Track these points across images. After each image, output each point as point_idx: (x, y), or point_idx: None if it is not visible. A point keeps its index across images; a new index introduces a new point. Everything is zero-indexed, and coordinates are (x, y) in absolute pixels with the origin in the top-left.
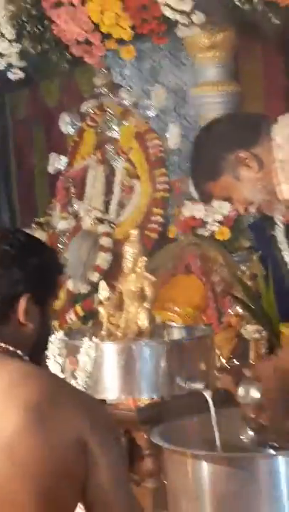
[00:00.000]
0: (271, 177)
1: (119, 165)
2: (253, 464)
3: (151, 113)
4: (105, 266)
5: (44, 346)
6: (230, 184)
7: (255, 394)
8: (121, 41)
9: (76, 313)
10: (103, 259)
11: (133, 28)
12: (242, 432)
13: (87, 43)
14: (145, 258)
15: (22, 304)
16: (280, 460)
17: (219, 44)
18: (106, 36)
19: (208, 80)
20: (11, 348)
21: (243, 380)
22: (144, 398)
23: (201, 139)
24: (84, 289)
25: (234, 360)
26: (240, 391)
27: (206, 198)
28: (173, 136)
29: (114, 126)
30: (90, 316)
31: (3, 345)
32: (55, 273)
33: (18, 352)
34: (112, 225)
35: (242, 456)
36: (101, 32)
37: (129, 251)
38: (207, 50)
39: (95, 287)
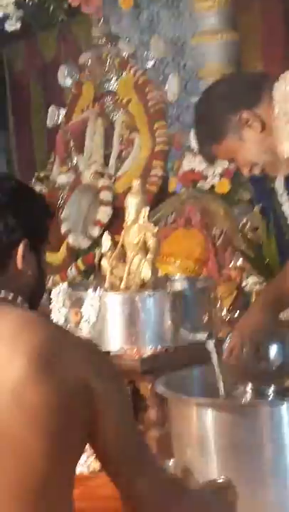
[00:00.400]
0: (274, 137)
1: (118, 118)
2: (258, 411)
3: (149, 64)
4: (105, 220)
5: (41, 293)
6: (233, 146)
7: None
8: None
9: (77, 268)
10: (103, 213)
11: None
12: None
13: None
14: (148, 208)
15: (20, 250)
16: (285, 407)
17: None
18: None
19: (207, 29)
20: (10, 297)
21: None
22: (148, 349)
23: (203, 101)
24: (85, 243)
25: (236, 312)
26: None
27: (210, 161)
28: (172, 87)
29: (112, 78)
30: (91, 270)
31: (2, 293)
32: (47, 217)
33: (18, 299)
34: (112, 178)
35: (247, 404)
36: None
37: (132, 202)
38: None
39: (95, 242)
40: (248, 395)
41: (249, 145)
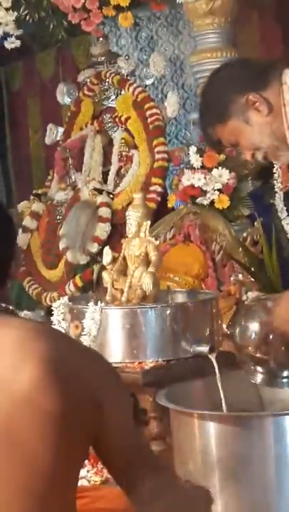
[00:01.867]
0: (281, 122)
1: (117, 135)
2: (260, 422)
3: (148, 81)
4: (104, 236)
5: None
6: (238, 128)
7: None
8: (118, 8)
9: (75, 284)
10: (102, 230)
11: None
12: (250, 375)
13: (85, 10)
14: (149, 222)
15: (12, 267)
16: (287, 418)
17: (218, 10)
18: (103, 3)
19: (207, 47)
20: (10, 307)
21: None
22: (150, 361)
23: (210, 82)
24: (83, 259)
25: (235, 327)
26: (238, 330)
27: (214, 145)
28: (171, 104)
29: (111, 96)
30: (89, 287)
31: (3, 305)
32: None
33: (16, 311)
34: (110, 195)
35: (248, 415)
36: None
37: (133, 215)
38: (205, 16)
39: (94, 258)
40: (259, 376)
41: (254, 128)
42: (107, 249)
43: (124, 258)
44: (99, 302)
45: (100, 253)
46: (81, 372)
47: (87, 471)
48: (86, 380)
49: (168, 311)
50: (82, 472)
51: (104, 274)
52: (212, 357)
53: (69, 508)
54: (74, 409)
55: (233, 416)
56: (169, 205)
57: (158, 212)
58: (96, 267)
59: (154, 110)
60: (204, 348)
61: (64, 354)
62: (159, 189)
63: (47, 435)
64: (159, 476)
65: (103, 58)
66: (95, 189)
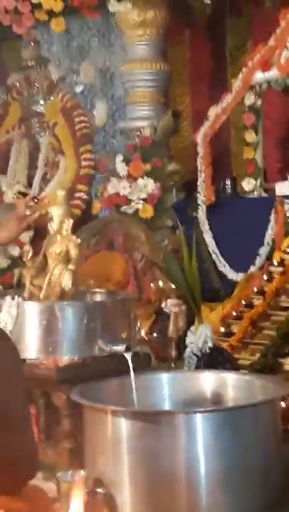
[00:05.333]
0: None
1: (44, 139)
2: (171, 420)
3: (78, 89)
4: (26, 240)
5: None
6: None
7: None
8: (51, 13)
9: None
10: (25, 234)
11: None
12: None
13: (16, 12)
14: (71, 220)
15: None
16: (197, 417)
17: (149, 22)
18: (36, 6)
19: (137, 57)
20: None
21: None
22: (65, 358)
23: None
24: (4, 262)
25: (154, 334)
26: None
27: None
28: (99, 113)
29: (40, 100)
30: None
31: None
32: None
33: None
34: (35, 199)
35: (160, 412)
36: (31, 2)
37: (56, 212)
38: (137, 27)
39: (15, 262)
40: None
41: None
42: (27, 246)
43: (45, 255)
44: (16, 297)
45: (21, 257)
46: None
47: None
48: None
49: (86, 309)
50: None
51: (24, 271)
52: (128, 356)
53: None
54: None
55: (145, 413)
56: (94, 212)
57: (83, 219)
58: (17, 271)
59: (82, 118)
60: (120, 348)
61: None
62: (84, 196)
63: None
64: None
65: (33, 63)
66: (20, 192)
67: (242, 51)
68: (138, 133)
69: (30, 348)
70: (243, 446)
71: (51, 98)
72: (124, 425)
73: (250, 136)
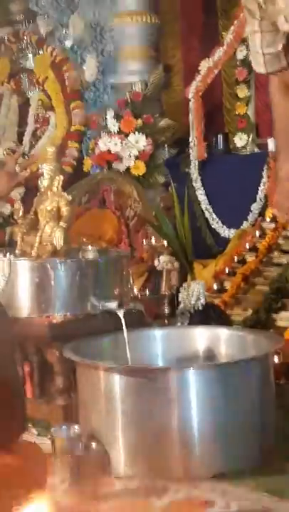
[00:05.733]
0: None
1: (34, 95)
2: (164, 376)
3: (67, 43)
4: (18, 198)
5: None
6: None
7: None
8: None
9: None
10: (15, 191)
11: None
12: None
13: None
14: (62, 176)
15: None
16: (190, 373)
17: None
18: None
19: (128, 10)
20: None
21: None
22: (57, 316)
23: None
24: None
25: (146, 291)
26: None
27: None
28: (90, 68)
29: (29, 55)
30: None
31: None
32: None
33: None
34: (25, 156)
35: (153, 369)
36: None
37: (46, 168)
38: None
39: (6, 220)
40: None
41: None
42: (18, 203)
43: (36, 213)
44: (8, 254)
45: (13, 215)
46: None
47: None
48: None
49: (78, 267)
50: None
51: (15, 229)
52: (120, 313)
53: None
54: None
55: (138, 369)
56: (85, 170)
57: (74, 177)
58: (8, 229)
59: (73, 72)
60: (113, 305)
61: None
62: (75, 153)
63: None
64: None
65: (22, 17)
66: (9, 149)
67: (233, 3)
68: (129, 88)
69: (23, 306)
70: (236, 402)
71: (40, 53)
72: (117, 381)
73: (242, 91)
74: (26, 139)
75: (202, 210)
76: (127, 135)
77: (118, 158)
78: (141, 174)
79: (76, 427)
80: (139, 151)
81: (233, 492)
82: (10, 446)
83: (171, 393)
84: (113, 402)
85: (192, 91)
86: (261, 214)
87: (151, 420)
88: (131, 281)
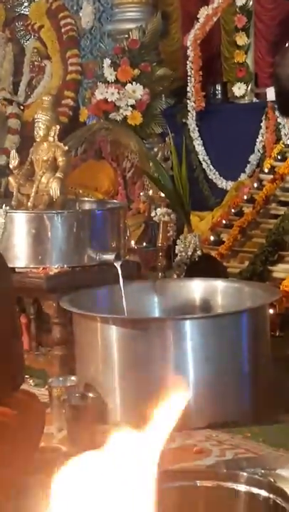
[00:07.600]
0: None
1: (30, 44)
2: (160, 326)
3: None
4: (13, 148)
5: None
6: None
7: None
8: None
9: None
10: (11, 141)
11: None
12: None
13: None
14: (58, 126)
15: None
16: (187, 323)
17: None
18: None
19: None
20: None
21: None
22: (54, 267)
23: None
24: None
25: (143, 243)
26: None
27: None
28: (86, 15)
29: (24, 2)
30: None
31: None
32: None
33: None
34: (21, 106)
35: (149, 319)
36: None
37: (42, 118)
38: None
39: (2, 171)
40: None
41: None
42: (13, 153)
43: (32, 163)
44: (4, 205)
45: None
46: None
47: None
48: None
49: (75, 218)
50: None
51: (10, 179)
52: (117, 264)
53: None
54: None
55: (134, 320)
56: (81, 120)
57: (70, 127)
58: (4, 180)
59: (69, 20)
60: (110, 256)
61: None
62: (71, 103)
63: None
64: None
65: None
66: (5, 99)
67: None
68: (126, 36)
69: (20, 258)
70: (231, 352)
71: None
72: (113, 332)
73: (241, 39)
74: (22, 88)
75: (199, 161)
76: (124, 84)
77: (115, 107)
78: (138, 124)
79: (73, 377)
80: (136, 101)
81: (228, 441)
82: (8, 393)
83: (167, 343)
84: (110, 352)
85: (190, 39)
86: (259, 165)
87: (147, 370)
88: (128, 233)
